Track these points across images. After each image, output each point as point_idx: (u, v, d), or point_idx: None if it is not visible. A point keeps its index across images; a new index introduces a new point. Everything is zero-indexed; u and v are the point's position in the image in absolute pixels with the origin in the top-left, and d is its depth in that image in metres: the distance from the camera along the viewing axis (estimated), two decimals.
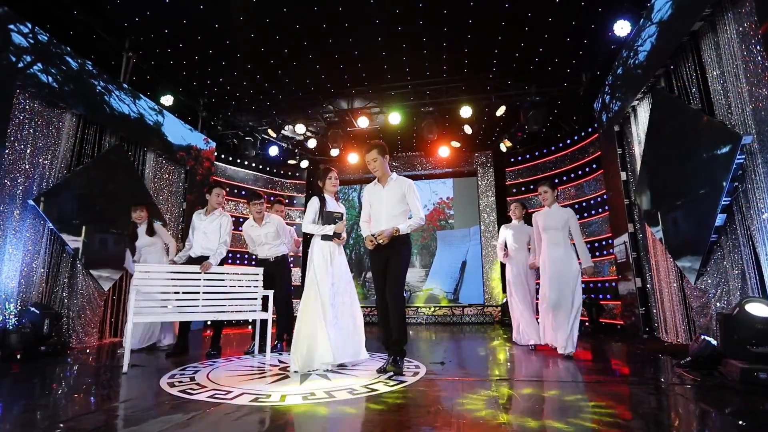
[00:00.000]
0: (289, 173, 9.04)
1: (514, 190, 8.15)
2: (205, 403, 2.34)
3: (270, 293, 4.05)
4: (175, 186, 6.53)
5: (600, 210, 6.45)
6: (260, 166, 8.62)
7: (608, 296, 6.18)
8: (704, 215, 3.32)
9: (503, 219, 8.27)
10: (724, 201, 3.13)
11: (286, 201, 8.91)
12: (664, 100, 3.97)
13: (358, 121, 7.17)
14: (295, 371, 3.19)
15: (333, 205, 3.62)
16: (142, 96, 5.80)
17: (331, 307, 3.44)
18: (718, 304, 3.45)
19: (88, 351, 4.48)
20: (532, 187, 7.88)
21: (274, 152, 8.19)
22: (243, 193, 8.25)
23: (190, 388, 2.69)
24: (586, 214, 6.66)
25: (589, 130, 6.71)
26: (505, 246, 4.88)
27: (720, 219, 3.22)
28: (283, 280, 4.44)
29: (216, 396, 2.49)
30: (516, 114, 7.09)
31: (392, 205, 3.23)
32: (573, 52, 5.99)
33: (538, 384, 2.85)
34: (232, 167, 8.21)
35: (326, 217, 3.60)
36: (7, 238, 4.11)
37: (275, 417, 2.12)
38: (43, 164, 4.47)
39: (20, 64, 4.17)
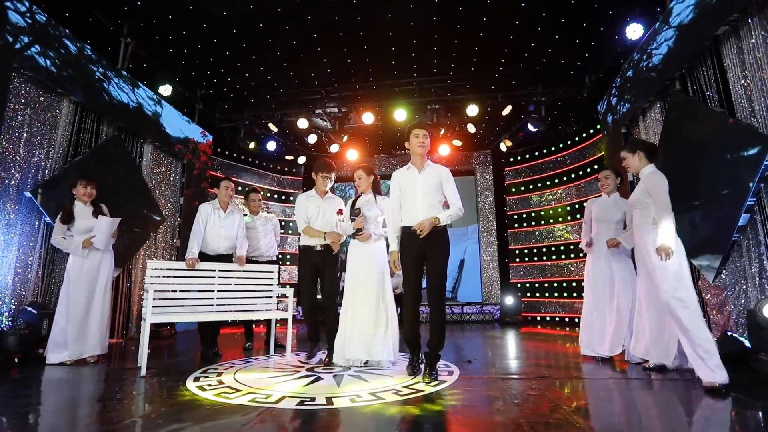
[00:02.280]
0: (286, 169, 8.83)
1: (513, 190, 8.22)
2: (250, 407, 2.21)
3: (290, 291, 3.91)
4: (172, 180, 6.24)
5: None
6: (256, 161, 8.37)
7: None
8: (727, 215, 3.40)
9: (502, 218, 8.34)
10: (750, 201, 3.21)
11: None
12: (682, 102, 4.06)
13: (363, 117, 7.06)
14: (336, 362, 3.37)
15: (364, 202, 3.57)
16: (140, 84, 5.51)
17: (357, 305, 3.39)
18: (736, 301, 3.55)
19: None
20: (531, 186, 7.98)
21: (272, 147, 7.97)
22: (239, 188, 8.00)
23: (225, 392, 2.55)
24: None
25: (591, 131, 6.83)
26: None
27: (743, 219, 3.30)
28: (333, 271, 3.72)
29: (257, 400, 2.36)
30: (518, 114, 7.16)
31: (428, 192, 3.00)
32: (579, 54, 6.08)
33: (580, 381, 2.85)
34: (229, 161, 7.93)
35: (351, 215, 3.58)
36: (0, 232, 3.81)
37: (335, 422, 2.02)
38: (39, 154, 4.17)
39: (17, 45, 3.87)
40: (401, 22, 5.40)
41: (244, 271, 4.06)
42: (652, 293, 2.93)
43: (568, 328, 6.58)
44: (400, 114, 6.89)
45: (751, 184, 3.14)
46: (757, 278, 3.39)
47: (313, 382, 2.84)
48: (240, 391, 2.58)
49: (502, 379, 2.90)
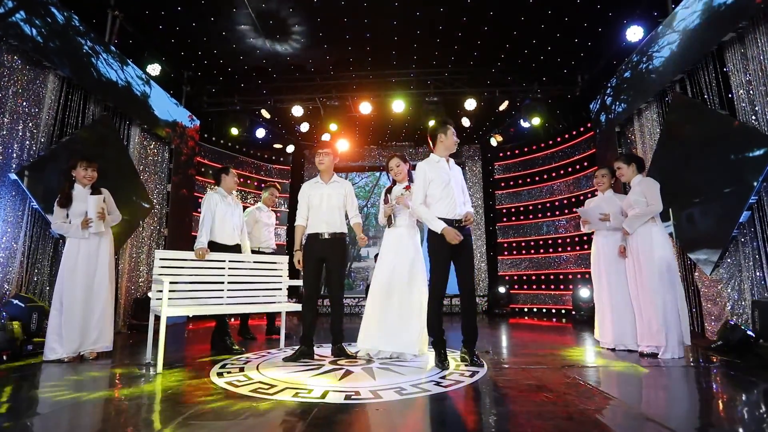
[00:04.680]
0: (274, 157, 8.55)
1: (503, 184, 8.38)
2: (299, 404, 2.13)
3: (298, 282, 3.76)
4: (159, 166, 5.89)
5: None
6: (244, 149, 8.05)
7: None
8: (729, 212, 3.62)
9: (490, 211, 8.49)
10: (752, 199, 3.43)
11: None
12: (684, 104, 4.26)
13: (360, 106, 6.93)
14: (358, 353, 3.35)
15: (399, 191, 3.51)
16: (129, 62, 5.13)
17: (385, 297, 3.35)
18: (731, 293, 3.79)
19: None
20: (520, 182, 8.16)
21: (260, 134, 7.68)
22: None
23: (260, 388, 2.44)
24: (575, 209, 7.02)
25: (581, 129, 7.05)
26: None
27: (745, 216, 3.53)
28: (340, 263, 3.44)
29: (300, 395, 2.28)
30: (509, 109, 7.27)
31: (458, 188, 3.06)
32: (576, 53, 6.23)
33: (606, 369, 2.95)
34: (215, 148, 7.57)
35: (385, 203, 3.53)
36: None
37: (398, 413, 1.98)
38: (23, 132, 3.80)
39: (1, 10, 3.48)
40: (407, 10, 5.31)
41: (254, 261, 3.91)
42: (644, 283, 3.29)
43: (554, 319, 6.82)
44: (399, 105, 6.82)
45: (755, 183, 3.35)
46: (753, 272, 3.64)
47: (345, 375, 2.78)
48: (275, 386, 2.47)
49: (532, 368, 2.95)
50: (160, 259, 3.37)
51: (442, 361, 2.95)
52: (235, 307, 3.69)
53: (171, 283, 3.14)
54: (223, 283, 3.67)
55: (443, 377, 2.67)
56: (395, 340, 3.23)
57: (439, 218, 2.95)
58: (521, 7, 5.19)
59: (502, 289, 7.43)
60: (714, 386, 2.51)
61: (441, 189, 3.01)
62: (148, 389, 2.47)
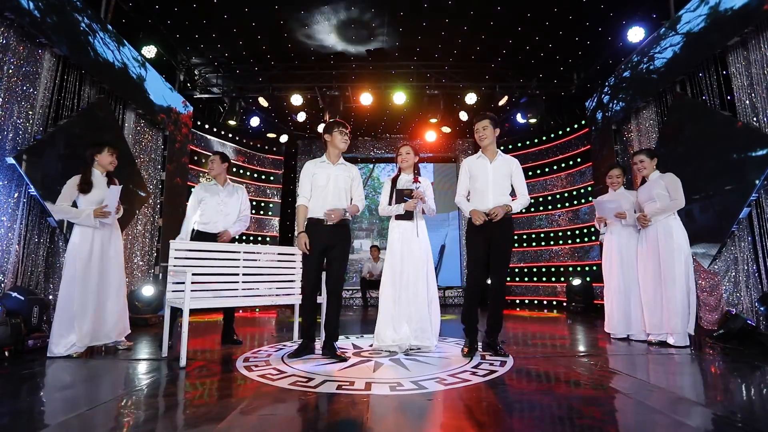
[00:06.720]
0: (266, 147, 8.35)
1: None
2: (346, 395, 2.11)
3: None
4: (154, 153, 5.64)
5: (582, 201, 7.03)
6: (237, 137, 7.82)
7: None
8: (729, 208, 3.82)
9: None
10: (753, 196, 3.63)
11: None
12: (686, 104, 4.44)
13: (361, 97, 6.85)
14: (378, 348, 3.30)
15: (406, 182, 3.48)
16: (125, 42, 4.86)
17: (402, 289, 3.35)
18: (727, 285, 4.02)
19: None
20: None
21: (255, 123, 7.47)
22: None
23: (298, 381, 2.41)
24: (575, 202, 7.23)
25: (575, 126, 7.24)
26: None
27: (744, 212, 3.73)
28: (343, 253, 3.17)
29: (343, 387, 2.26)
30: (507, 105, 7.37)
31: (499, 181, 3.10)
32: (574, 52, 6.37)
33: (626, 357, 3.06)
34: (208, 136, 7.32)
35: (397, 195, 3.48)
36: None
37: (451, 404, 2.00)
38: (18, 114, 3.55)
39: None
40: (414, 2, 5.27)
41: (270, 253, 3.84)
42: (659, 273, 3.43)
43: (546, 310, 7.03)
44: (400, 97, 6.79)
45: (756, 182, 3.54)
46: (748, 264, 3.87)
47: (377, 367, 2.77)
48: (313, 379, 2.44)
49: (554, 358, 3.04)
50: (176, 249, 3.24)
51: (471, 351, 3.00)
52: (249, 300, 3.60)
53: (174, 275, 3.04)
54: (238, 275, 3.57)
55: (475, 367, 2.71)
56: (419, 333, 3.25)
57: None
58: (528, 3, 5.25)
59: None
60: (733, 371, 2.66)
61: (476, 183, 3.15)
62: (184, 384, 2.39)
